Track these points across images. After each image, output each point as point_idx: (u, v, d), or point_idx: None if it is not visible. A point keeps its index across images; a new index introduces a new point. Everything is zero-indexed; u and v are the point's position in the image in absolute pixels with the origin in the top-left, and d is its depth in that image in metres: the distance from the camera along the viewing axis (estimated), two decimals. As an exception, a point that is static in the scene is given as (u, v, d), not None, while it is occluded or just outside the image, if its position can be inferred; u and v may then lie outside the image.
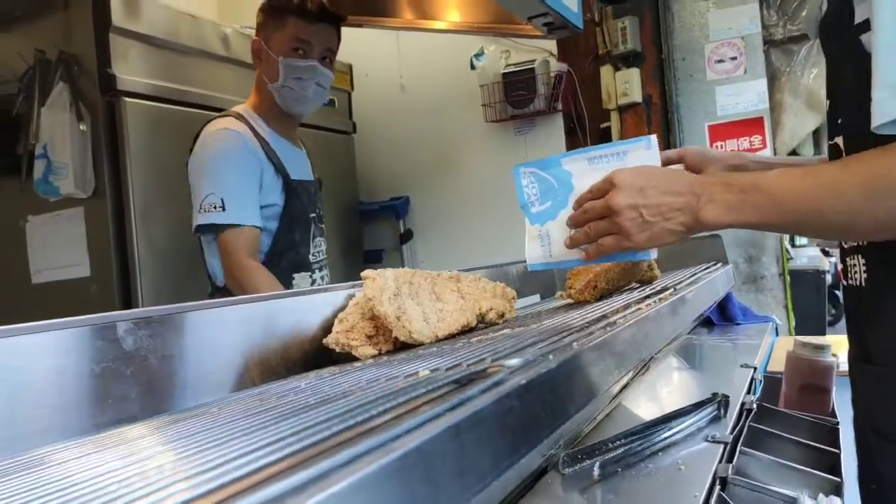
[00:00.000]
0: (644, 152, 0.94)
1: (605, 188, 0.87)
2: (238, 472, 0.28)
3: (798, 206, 0.75)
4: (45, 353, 0.57)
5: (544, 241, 0.98)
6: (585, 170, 0.96)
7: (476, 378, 0.43)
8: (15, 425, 0.57)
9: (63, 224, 2.27)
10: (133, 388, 0.62)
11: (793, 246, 4.38)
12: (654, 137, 0.95)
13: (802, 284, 3.05)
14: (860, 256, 0.82)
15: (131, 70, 2.22)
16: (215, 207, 1.63)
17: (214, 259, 1.75)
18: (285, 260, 1.76)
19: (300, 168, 1.86)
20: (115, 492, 0.27)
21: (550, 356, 0.49)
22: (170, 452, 0.38)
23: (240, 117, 1.76)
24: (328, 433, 0.32)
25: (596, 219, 0.88)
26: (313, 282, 1.84)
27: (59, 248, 2.28)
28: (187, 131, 2.36)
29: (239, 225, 1.64)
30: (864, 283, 0.81)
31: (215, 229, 1.65)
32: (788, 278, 2.83)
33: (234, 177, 1.67)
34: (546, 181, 1.00)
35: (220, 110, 2.46)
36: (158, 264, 2.21)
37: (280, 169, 1.76)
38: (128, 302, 2.14)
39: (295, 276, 1.79)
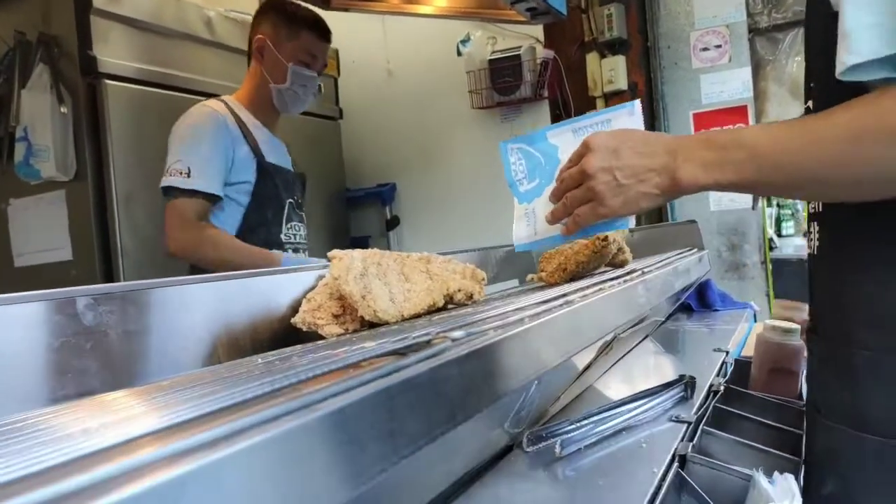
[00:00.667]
0: (628, 118, 0.92)
1: (581, 152, 0.84)
2: (161, 424, 0.28)
3: (779, 160, 0.70)
4: (4, 325, 0.57)
5: (530, 219, 0.96)
6: (570, 141, 0.93)
7: (418, 348, 0.43)
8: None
9: (45, 207, 2.26)
10: (93, 363, 0.62)
11: (779, 236, 4.41)
12: (637, 103, 0.93)
13: (786, 273, 3.07)
14: (816, 223, 0.81)
15: (113, 52, 2.21)
16: (180, 173, 1.70)
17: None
18: (256, 236, 1.81)
19: (277, 155, 1.94)
20: (75, 439, 0.27)
21: (497, 330, 0.49)
22: (106, 417, 0.39)
23: (224, 102, 1.87)
24: (257, 394, 0.33)
25: (573, 187, 0.84)
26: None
27: (40, 232, 2.28)
28: (170, 114, 2.34)
29: (197, 192, 1.70)
30: (815, 251, 0.81)
31: (174, 193, 1.70)
32: (770, 266, 2.86)
33: (203, 147, 1.74)
34: (533, 157, 0.98)
35: (203, 93, 2.46)
36: (140, 248, 2.21)
37: (255, 150, 1.84)
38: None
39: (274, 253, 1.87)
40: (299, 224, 1.98)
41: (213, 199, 1.74)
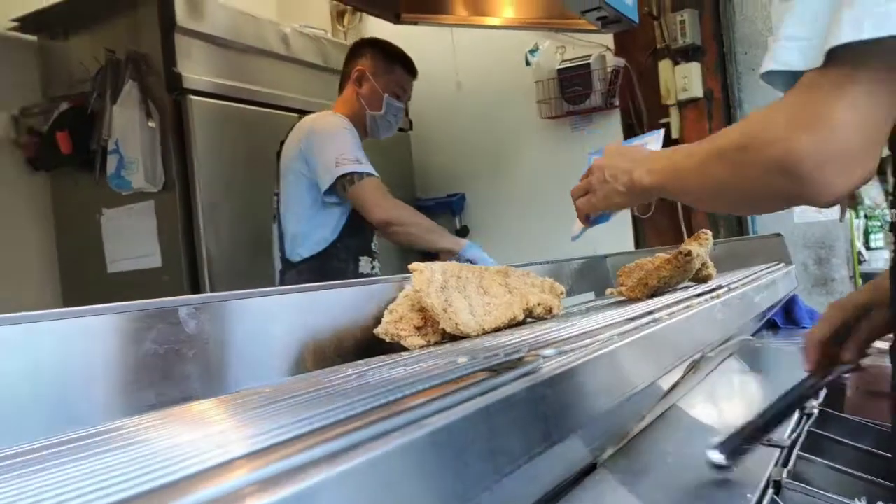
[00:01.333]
0: (655, 144, 1.11)
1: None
2: (272, 441, 0.29)
3: (672, 168, 0.82)
4: (114, 333, 0.61)
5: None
6: None
7: (511, 366, 0.43)
8: (89, 399, 0.61)
9: (135, 216, 2.38)
10: (195, 369, 0.65)
11: (867, 248, 4.19)
12: (661, 131, 1.16)
13: (875, 287, 2.90)
14: (893, 234, 0.79)
15: (196, 69, 2.31)
16: (353, 161, 1.90)
17: (314, 228, 1.99)
18: (354, 241, 2.01)
19: None
20: (183, 452, 0.29)
21: (588, 348, 0.49)
22: (222, 425, 0.40)
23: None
24: (362, 409, 0.33)
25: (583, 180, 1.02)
26: (373, 267, 2.09)
27: (131, 240, 2.40)
28: (249, 127, 2.43)
29: (374, 175, 1.92)
30: (891, 262, 0.78)
31: (358, 176, 1.89)
32: (860, 281, 2.71)
33: (358, 146, 1.96)
34: None
35: (279, 107, 2.54)
36: (223, 254, 2.30)
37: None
38: (196, 291, 2.24)
39: (361, 258, 2.04)
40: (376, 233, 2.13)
41: None
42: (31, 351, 0.57)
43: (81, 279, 2.60)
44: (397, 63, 2.13)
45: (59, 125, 2.41)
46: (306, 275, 1.94)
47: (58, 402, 0.58)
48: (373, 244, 2.09)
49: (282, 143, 2.10)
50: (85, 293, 2.54)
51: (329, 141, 1.96)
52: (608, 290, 1.08)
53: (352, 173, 1.90)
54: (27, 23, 2.58)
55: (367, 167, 1.93)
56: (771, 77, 0.67)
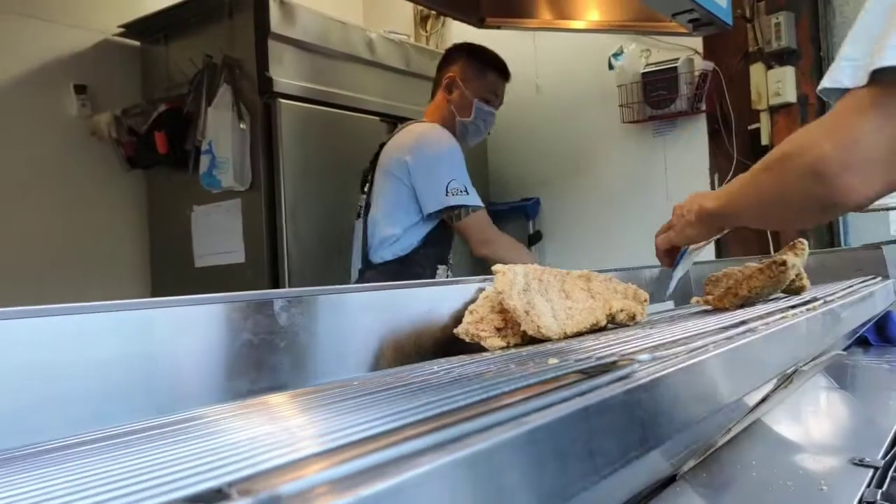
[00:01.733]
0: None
1: None
2: (377, 430, 0.30)
3: (733, 191, 0.91)
4: (210, 323, 0.64)
5: None
6: None
7: (605, 369, 0.43)
8: (181, 386, 0.64)
9: (223, 214, 2.49)
10: (285, 360, 0.68)
11: (971, 264, 3.89)
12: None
13: (981, 307, 2.71)
14: None
15: (286, 73, 2.40)
16: (460, 192, 1.93)
17: (404, 233, 2.02)
18: (436, 250, 2.03)
19: None
20: (267, 444, 0.30)
21: (683, 355, 0.48)
22: (316, 415, 0.42)
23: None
24: (464, 403, 0.34)
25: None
26: (448, 277, 2.10)
27: (218, 236, 2.51)
28: (334, 130, 2.50)
29: (482, 206, 1.98)
30: None
31: (467, 210, 1.95)
32: (963, 299, 2.53)
33: (464, 167, 2.00)
34: None
35: (363, 111, 2.60)
36: (303, 253, 2.37)
37: None
38: (276, 286, 2.32)
39: (439, 267, 2.07)
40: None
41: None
42: (129, 338, 0.61)
43: (170, 272, 2.74)
44: (489, 67, 2.12)
45: (156, 126, 2.55)
46: (385, 277, 1.96)
47: (149, 389, 0.61)
48: (450, 255, 2.13)
49: (382, 144, 2.12)
50: (173, 286, 2.67)
51: (438, 164, 1.98)
52: (693, 299, 1.05)
53: (461, 206, 1.94)
54: (131, 29, 2.75)
55: (474, 199, 1.96)
56: (826, 93, 0.76)
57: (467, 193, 1.94)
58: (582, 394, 0.38)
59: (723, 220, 0.98)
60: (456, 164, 1.98)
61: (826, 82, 0.74)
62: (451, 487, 0.27)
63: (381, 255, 2.01)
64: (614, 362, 0.45)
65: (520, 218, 3.55)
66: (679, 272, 1.18)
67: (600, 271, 1.08)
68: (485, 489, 0.29)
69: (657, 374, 0.43)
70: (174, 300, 0.65)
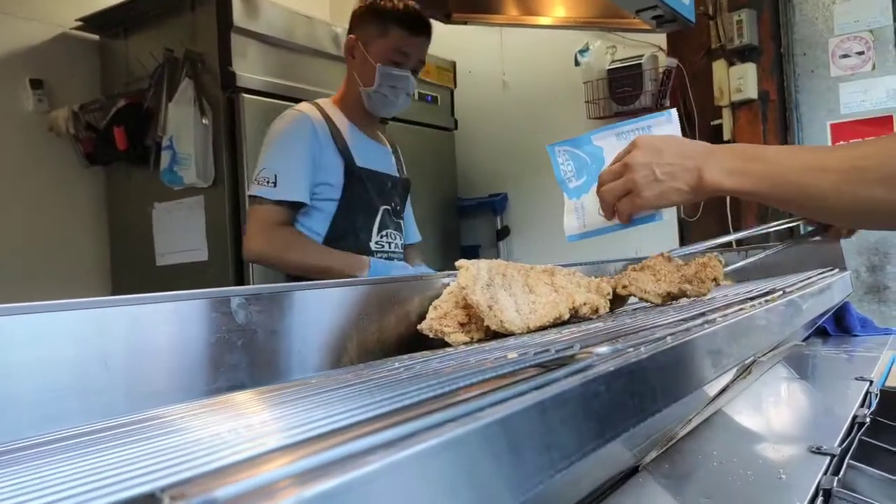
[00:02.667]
0: (666, 125, 1.02)
1: (627, 150, 0.94)
2: (323, 429, 0.30)
3: (790, 179, 0.78)
4: (167, 321, 0.62)
5: (579, 213, 1.08)
6: (614, 144, 1.04)
7: (564, 362, 0.43)
8: (134, 388, 0.62)
9: (185, 211, 2.45)
10: (243, 359, 0.67)
11: (925, 256, 4.02)
12: (674, 111, 1.04)
13: (934, 298, 2.80)
14: None
15: (249, 68, 2.36)
16: (267, 182, 1.66)
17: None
18: (343, 244, 1.75)
19: (375, 160, 1.85)
20: (208, 447, 0.29)
21: (642, 347, 0.48)
22: (265, 415, 0.41)
23: (317, 105, 1.80)
24: (417, 399, 0.34)
25: (611, 181, 0.95)
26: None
27: (180, 234, 2.46)
28: (299, 126, 2.46)
29: (283, 202, 1.67)
30: None
31: (260, 201, 1.68)
32: (917, 290, 2.61)
33: (290, 154, 1.69)
34: (579, 158, 1.10)
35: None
36: (268, 251, 2.34)
37: (343, 151, 1.75)
38: (240, 285, 2.28)
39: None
40: (395, 233, 1.87)
41: (298, 206, 1.71)
42: (79, 339, 0.59)
43: (131, 271, 2.69)
44: (391, 23, 1.74)
45: (116, 121, 2.49)
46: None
47: (101, 390, 0.60)
48: (373, 243, 1.81)
49: None
50: (134, 285, 2.62)
51: (263, 149, 1.74)
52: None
53: (254, 196, 1.68)
54: (90, 22, 2.68)
55: (270, 190, 1.65)
56: None
57: (271, 185, 1.65)
58: (538, 388, 0.37)
59: (751, 199, 0.91)
60: (275, 150, 1.70)
61: None
62: (400, 486, 0.26)
63: None
64: (572, 356, 0.45)
65: (487, 213, 3.57)
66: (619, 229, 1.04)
67: (566, 265, 1.09)
68: (436, 487, 0.28)
69: (616, 367, 0.43)
70: (127, 299, 0.63)
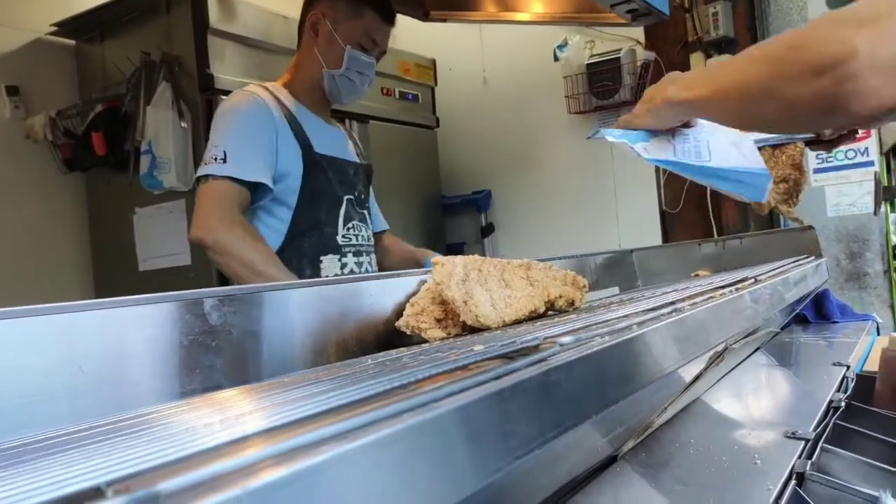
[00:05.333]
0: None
1: None
2: (282, 420, 0.30)
3: (726, 79, 0.76)
4: (140, 324, 0.62)
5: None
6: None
7: (526, 353, 0.44)
8: (107, 392, 0.62)
9: (166, 215, 2.43)
10: (217, 360, 0.67)
11: (904, 242, 4.08)
12: None
13: (913, 283, 2.84)
14: None
15: (227, 69, 2.35)
16: (216, 160, 1.48)
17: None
18: (308, 240, 1.60)
19: (332, 145, 1.71)
20: (198, 427, 0.30)
21: (606, 336, 0.49)
22: (228, 412, 0.41)
23: (264, 87, 1.67)
24: (375, 392, 0.34)
25: None
26: (344, 266, 1.66)
27: (162, 238, 2.45)
28: (278, 127, 2.45)
29: (236, 179, 1.48)
30: None
31: (209, 180, 1.50)
32: (895, 276, 2.65)
33: (241, 130, 1.53)
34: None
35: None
36: (250, 253, 2.33)
37: (300, 136, 1.61)
38: (222, 288, 2.27)
39: (323, 258, 1.62)
40: (361, 224, 1.72)
41: (252, 189, 1.52)
42: (51, 344, 0.59)
43: (113, 277, 2.67)
44: (366, 5, 1.65)
45: (94, 126, 2.47)
46: None
47: (75, 395, 0.60)
48: (340, 237, 1.65)
49: None
50: (116, 291, 2.60)
51: (211, 130, 1.57)
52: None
53: (202, 177, 1.50)
54: (65, 27, 2.66)
55: (221, 167, 1.46)
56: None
57: (224, 161, 1.47)
58: (498, 377, 0.38)
59: (691, 111, 0.87)
60: (225, 128, 1.54)
61: None
62: (350, 477, 0.27)
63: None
64: (536, 346, 0.45)
65: (472, 211, 3.57)
66: (622, 137, 1.02)
67: (546, 259, 1.09)
68: (389, 476, 0.29)
69: (577, 356, 0.44)
70: (99, 302, 0.63)
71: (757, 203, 1.01)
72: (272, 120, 1.57)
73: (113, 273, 2.67)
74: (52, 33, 2.70)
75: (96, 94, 2.62)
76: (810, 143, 1.11)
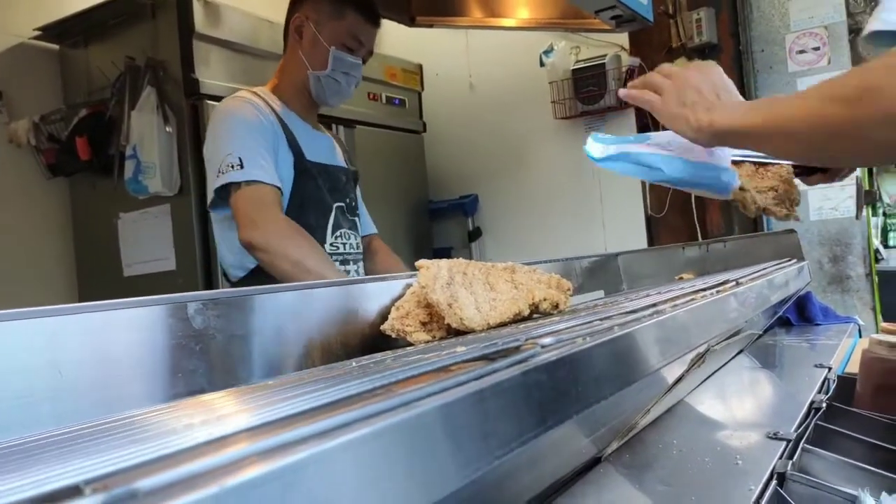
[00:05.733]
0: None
1: (688, 65, 0.94)
2: (261, 420, 0.30)
3: (790, 113, 0.75)
4: (122, 328, 0.62)
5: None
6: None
7: (507, 354, 0.44)
8: (89, 395, 0.62)
9: (151, 220, 2.42)
10: (202, 364, 0.67)
11: (885, 247, 4.14)
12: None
13: (894, 286, 2.87)
14: None
15: (213, 74, 2.35)
16: (233, 167, 1.49)
17: (227, 245, 1.62)
18: None
19: (321, 151, 1.72)
20: (179, 428, 0.30)
21: (587, 337, 0.49)
22: (209, 415, 0.41)
23: (254, 93, 1.68)
24: (355, 392, 0.34)
25: (663, 77, 0.94)
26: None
27: (147, 244, 2.44)
28: (264, 131, 2.45)
29: (260, 182, 1.50)
30: None
31: (235, 188, 1.50)
32: (877, 279, 2.68)
33: (250, 137, 1.54)
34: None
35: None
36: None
37: (292, 144, 1.63)
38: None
39: None
40: (350, 232, 1.72)
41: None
42: (33, 347, 0.59)
43: (98, 283, 2.65)
44: (349, 6, 1.65)
45: (78, 131, 2.46)
46: None
47: (55, 398, 0.59)
48: (328, 244, 1.65)
49: None
50: (101, 296, 2.57)
51: (213, 140, 1.58)
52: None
53: (225, 185, 1.51)
54: (49, 31, 2.64)
55: (249, 172, 1.49)
56: (876, 37, 0.70)
57: (241, 167, 1.48)
58: (479, 378, 0.38)
59: (737, 140, 0.85)
60: (235, 134, 1.54)
61: (878, 25, 0.68)
62: (328, 476, 0.27)
63: (234, 271, 1.62)
64: (517, 347, 0.46)
65: (459, 215, 3.58)
66: (622, 147, 1.01)
67: (532, 263, 1.10)
68: (367, 474, 0.29)
69: (558, 356, 0.44)
70: (81, 306, 0.63)
71: (743, 205, 1.02)
72: (271, 126, 1.59)
73: (97, 279, 2.65)
74: (36, 38, 2.68)
75: (80, 98, 2.60)
76: (804, 174, 1.11)
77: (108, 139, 2.41)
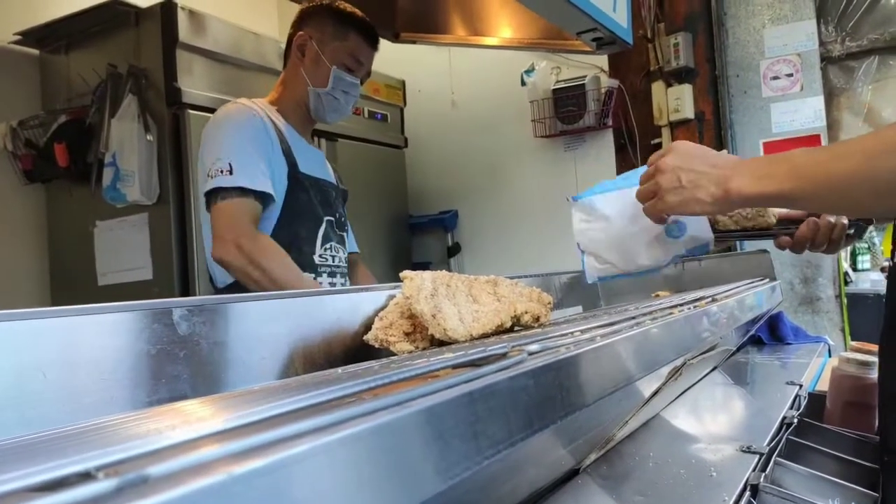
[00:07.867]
0: None
1: (662, 153, 0.94)
2: (255, 417, 0.31)
3: (812, 172, 0.77)
4: (108, 332, 0.62)
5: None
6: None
7: (495, 359, 0.45)
8: (74, 399, 0.62)
9: (128, 229, 2.40)
10: (185, 370, 0.67)
11: (854, 270, 4.23)
12: None
13: (862, 309, 2.94)
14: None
15: (195, 84, 2.34)
16: (222, 172, 1.50)
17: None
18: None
19: (314, 165, 1.75)
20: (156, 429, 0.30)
21: (571, 346, 0.51)
22: (207, 410, 0.42)
23: (252, 102, 1.71)
24: (346, 393, 0.35)
25: (647, 181, 0.95)
26: (319, 285, 1.68)
27: (123, 253, 2.41)
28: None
29: (246, 190, 1.50)
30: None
31: (220, 195, 1.51)
32: (846, 301, 2.75)
33: (244, 143, 1.56)
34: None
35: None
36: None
37: (287, 155, 1.64)
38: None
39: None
40: (338, 246, 1.75)
41: (261, 200, 1.55)
42: (16, 350, 0.59)
43: (72, 291, 2.61)
44: (351, 29, 1.71)
45: (56, 137, 2.43)
46: None
47: (40, 401, 0.59)
48: (317, 256, 1.67)
49: None
50: (74, 305, 2.54)
51: (207, 142, 1.58)
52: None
53: (213, 190, 1.50)
54: (29, 36, 2.62)
55: (235, 179, 1.49)
56: None
57: (230, 173, 1.48)
58: (468, 381, 0.39)
59: (770, 202, 0.86)
60: (229, 139, 1.54)
61: None
62: (317, 470, 0.28)
63: (222, 277, 1.61)
64: (504, 353, 0.47)
65: (438, 230, 3.59)
66: (680, 246, 1.02)
67: (513, 278, 1.12)
68: (354, 471, 0.30)
69: (545, 362, 0.45)
70: (66, 310, 0.63)
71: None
72: (268, 133, 1.61)
73: (71, 287, 2.61)
74: (16, 42, 2.65)
75: (60, 105, 2.58)
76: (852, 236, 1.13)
77: (87, 146, 2.39)
